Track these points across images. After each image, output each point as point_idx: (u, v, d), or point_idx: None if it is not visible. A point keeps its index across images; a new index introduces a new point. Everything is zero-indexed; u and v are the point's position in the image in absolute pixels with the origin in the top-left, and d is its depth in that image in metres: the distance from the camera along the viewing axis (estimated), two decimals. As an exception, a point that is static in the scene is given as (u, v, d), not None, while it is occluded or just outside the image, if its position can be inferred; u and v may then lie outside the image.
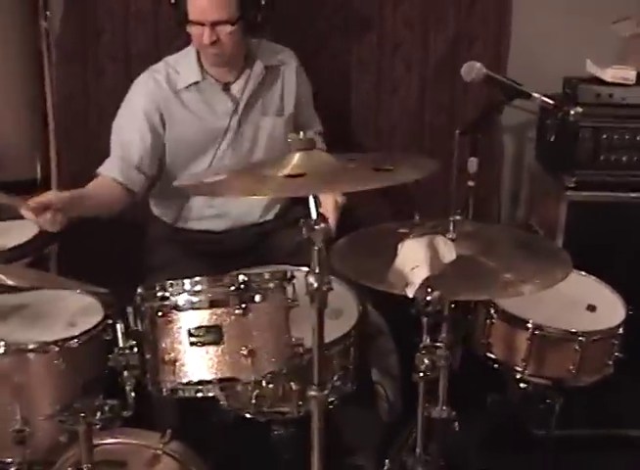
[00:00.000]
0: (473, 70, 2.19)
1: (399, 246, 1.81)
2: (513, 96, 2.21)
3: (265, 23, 2.44)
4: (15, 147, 2.99)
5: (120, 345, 1.71)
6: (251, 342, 1.67)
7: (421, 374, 1.85)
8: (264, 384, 1.69)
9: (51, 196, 2.13)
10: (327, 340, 1.93)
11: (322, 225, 1.53)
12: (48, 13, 2.92)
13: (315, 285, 1.55)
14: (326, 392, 1.66)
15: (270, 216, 2.68)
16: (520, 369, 2.24)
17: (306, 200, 1.56)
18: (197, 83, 2.52)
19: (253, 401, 1.88)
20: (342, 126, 3.06)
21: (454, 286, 1.86)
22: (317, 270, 1.56)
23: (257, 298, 1.69)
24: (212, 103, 2.53)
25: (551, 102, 2.19)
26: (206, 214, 2.63)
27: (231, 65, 2.51)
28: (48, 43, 2.97)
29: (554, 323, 2.20)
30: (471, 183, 2.49)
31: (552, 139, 2.68)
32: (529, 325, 2.20)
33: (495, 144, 3.10)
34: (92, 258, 2.84)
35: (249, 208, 2.65)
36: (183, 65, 2.54)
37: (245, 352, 1.65)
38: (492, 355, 2.31)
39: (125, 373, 1.70)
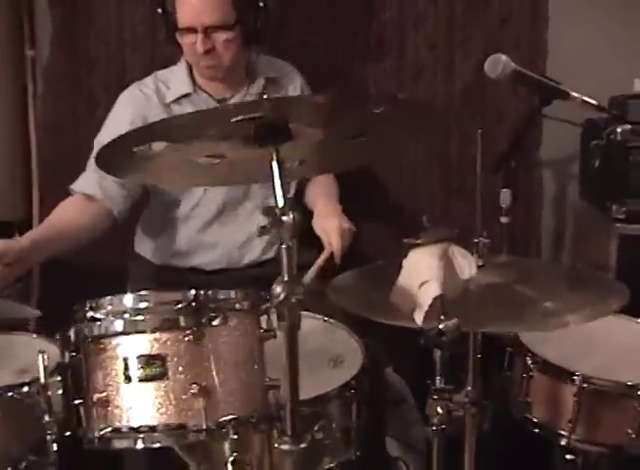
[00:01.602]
0: (499, 64, 1.83)
1: (404, 260, 1.42)
2: (549, 97, 1.86)
3: (264, 32, 2.16)
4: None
5: (41, 381, 1.32)
6: (204, 377, 1.29)
7: (434, 427, 1.42)
8: (226, 433, 1.27)
9: (1, 247, 1.77)
10: (322, 391, 1.60)
11: (290, 216, 1.15)
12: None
13: (282, 296, 1.16)
14: (303, 445, 1.25)
15: (271, 254, 2.31)
16: (566, 433, 1.82)
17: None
18: (188, 96, 2.23)
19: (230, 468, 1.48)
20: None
21: (480, 315, 1.47)
22: (286, 277, 1.17)
23: (217, 321, 1.30)
24: None
25: (594, 102, 1.82)
26: (197, 246, 2.31)
27: (228, 80, 2.21)
28: (34, 73, 2.70)
29: (607, 375, 1.79)
30: (504, 219, 2.14)
31: (597, 164, 2.30)
32: (576, 378, 1.78)
33: (534, 179, 2.73)
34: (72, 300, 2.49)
35: (250, 237, 2.31)
36: (173, 78, 2.26)
37: (195, 391, 1.26)
38: (532, 417, 1.89)
39: (46, 418, 1.31)
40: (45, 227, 2.02)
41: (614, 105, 2.42)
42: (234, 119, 1.07)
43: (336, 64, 2.70)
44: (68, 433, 1.35)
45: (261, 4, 2.12)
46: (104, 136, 2.20)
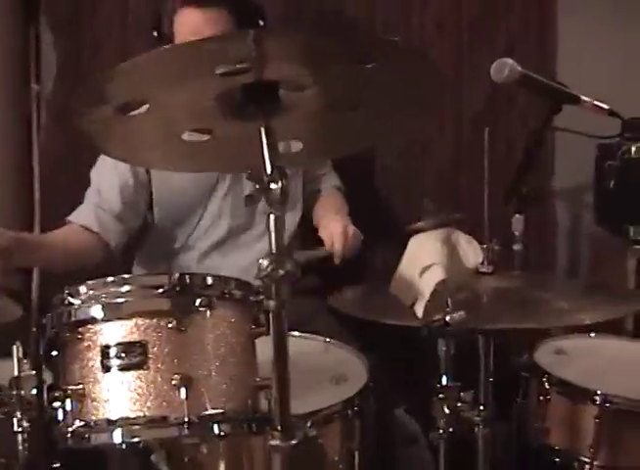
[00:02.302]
0: (505, 67, 1.75)
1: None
2: (558, 102, 1.78)
3: None
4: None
5: (14, 374, 1.22)
6: (188, 368, 1.19)
7: (441, 430, 1.29)
8: (210, 429, 1.17)
9: None
10: (321, 406, 1.49)
11: (279, 184, 1.06)
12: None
13: (270, 268, 1.07)
14: (294, 441, 1.13)
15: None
16: (587, 460, 1.68)
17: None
18: None
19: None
20: (367, 193, 2.65)
21: (491, 314, 1.37)
22: (274, 249, 1.08)
23: (202, 308, 1.20)
24: None
25: (605, 107, 1.75)
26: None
27: None
28: (38, 107, 2.67)
29: (630, 393, 1.66)
30: (517, 247, 2.04)
31: (612, 185, 2.20)
32: (597, 397, 1.66)
33: (547, 208, 2.64)
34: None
35: (253, 263, 2.20)
36: None
37: (177, 381, 1.16)
38: (550, 444, 1.76)
39: (18, 415, 1.20)
40: (34, 236, 1.99)
41: (626, 127, 2.35)
42: (218, 71, 1.00)
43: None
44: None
45: (261, 22, 2.08)
46: (100, 167, 2.17)
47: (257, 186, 1.08)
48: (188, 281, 1.21)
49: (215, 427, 1.17)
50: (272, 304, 1.09)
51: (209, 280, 1.25)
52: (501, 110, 2.65)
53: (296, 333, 1.78)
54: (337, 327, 2.00)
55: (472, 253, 1.31)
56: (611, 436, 1.66)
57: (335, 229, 1.97)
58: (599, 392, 1.66)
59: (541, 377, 1.78)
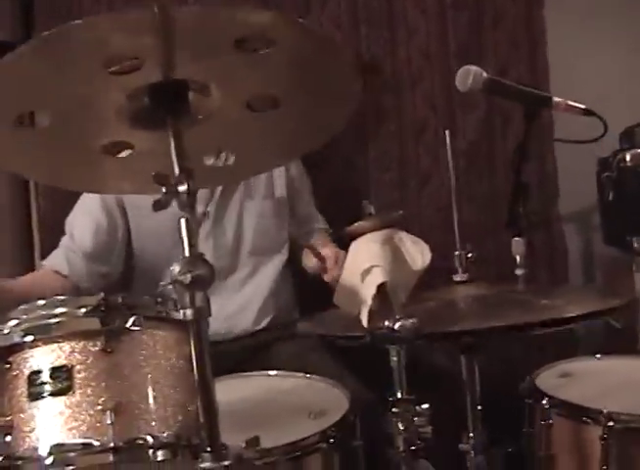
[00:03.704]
0: (469, 75, 1.69)
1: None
2: (531, 106, 1.70)
3: None
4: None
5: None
6: (115, 391, 1.13)
7: (399, 447, 1.19)
8: (139, 454, 1.09)
9: None
10: (294, 438, 1.42)
11: (186, 186, 1.01)
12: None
13: (180, 274, 1.00)
14: (227, 463, 1.05)
15: (264, 325, 2.18)
16: (596, 484, 1.53)
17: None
18: None
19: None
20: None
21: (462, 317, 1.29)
22: (187, 253, 1.02)
23: (134, 328, 1.14)
24: None
25: (580, 106, 1.67)
26: None
27: None
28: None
29: (637, 409, 1.53)
30: (519, 271, 1.94)
31: (611, 197, 2.09)
32: (601, 417, 1.52)
33: (555, 234, 2.52)
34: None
35: (240, 308, 2.18)
36: None
37: (102, 407, 1.09)
38: (557, 471, 1.62)
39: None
40: (10, 280, 1.98)
41: (623, 138, 2.26)
42: (111, 69, 0.95)
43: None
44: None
45: None
46: (75, 213, 2.18)
47: (164, 190, 1.02)
48: (119, 301, 1.15)
49: (150, 452, 1.09)
50: (189, 312, 1.02)
51: (144, 300, 1.19)
52: (496, 134, 2.57)
53: (272, 372, 1.77)
54: (331, 362, 1.94)
55: (419, 254, 1.22)
56: (619, 458, 1.52)
57: (324, 251, 1.92)
58: (603, 410, 1.53)
59: (542, 400, 1.66)
